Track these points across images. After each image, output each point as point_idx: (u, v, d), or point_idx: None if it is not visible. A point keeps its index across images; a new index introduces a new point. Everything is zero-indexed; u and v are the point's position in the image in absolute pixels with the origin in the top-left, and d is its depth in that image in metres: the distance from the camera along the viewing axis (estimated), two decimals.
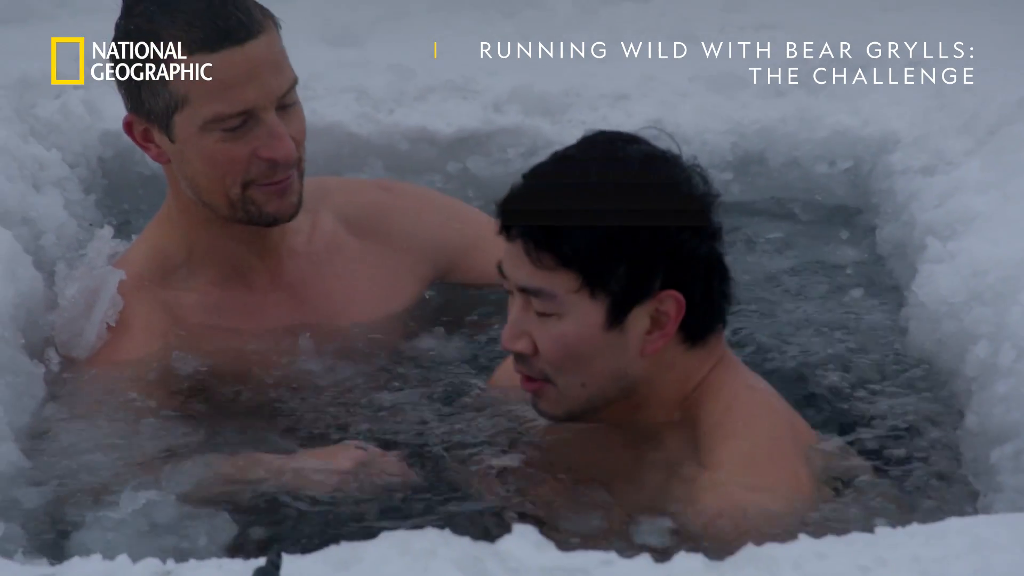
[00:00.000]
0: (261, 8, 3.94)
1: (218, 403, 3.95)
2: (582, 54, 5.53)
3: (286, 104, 3.94)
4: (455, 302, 4.30)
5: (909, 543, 2.88)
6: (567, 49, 5.56)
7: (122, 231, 4.60)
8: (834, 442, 3.63)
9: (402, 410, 3.92)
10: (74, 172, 4.85)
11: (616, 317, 3.36)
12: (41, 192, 4.63)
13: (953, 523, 2.96)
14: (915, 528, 2.95)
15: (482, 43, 5.55)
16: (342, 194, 4.32)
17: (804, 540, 2.94)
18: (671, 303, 3.36)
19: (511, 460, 3.65)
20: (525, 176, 3.41)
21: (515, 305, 3.42)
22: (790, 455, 3.47)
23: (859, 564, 2.83)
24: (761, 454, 3.42)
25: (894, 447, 3.73)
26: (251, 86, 3.86)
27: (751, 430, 3.44)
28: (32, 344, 3.99)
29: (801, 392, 3.94)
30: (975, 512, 3.49)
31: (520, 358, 3.44)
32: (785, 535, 3.24)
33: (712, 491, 3.38)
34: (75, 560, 2.95)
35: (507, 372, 3.71)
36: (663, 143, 3.43)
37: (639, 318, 3.37)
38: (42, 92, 5.07)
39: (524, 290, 3.38)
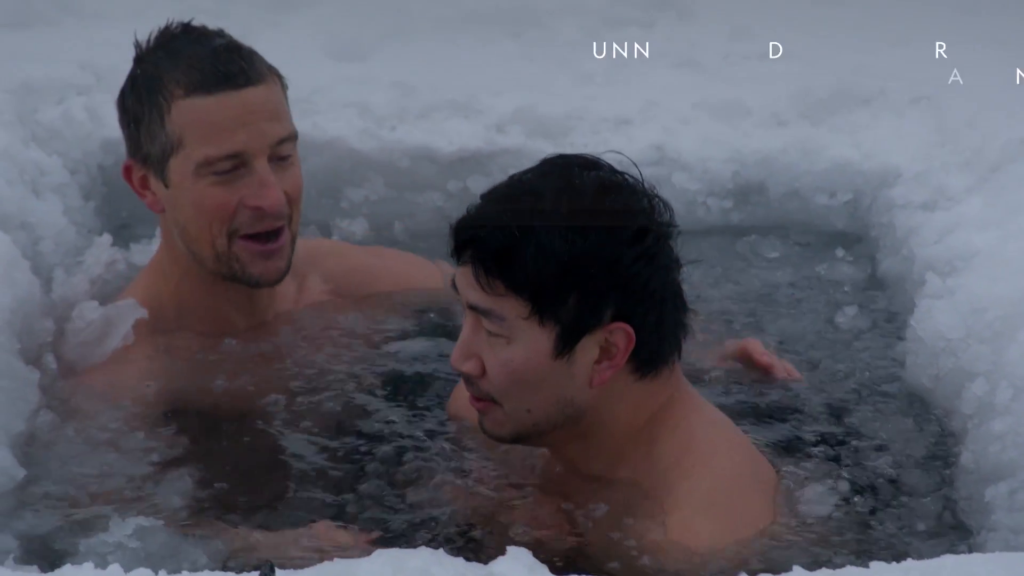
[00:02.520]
0: (269, 65, 3.99)
1: (204, 431, 3.94)
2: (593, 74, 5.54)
3: (282, 156, 3.96)
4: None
5: None
6: (571, 72, 5.55)
7: (121, 238, 4.62)
8: (799, 472, 3.61)
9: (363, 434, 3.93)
10: (74, 178, 4.85)
11: (565, 345, 3.33)
12: (41, 198, 4.63)
13: (948, 560, 2.97)
14: (910, 564, 2.96)
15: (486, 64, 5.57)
16: (333, 258, 4.37)
17: (798, 572, 2.94)
18: (621, 335, 3.34)
19: (476, 481, 3.65)
20: (481, 196, 3.39)
21: (466, 324, 3.40)
22: (751, 493, 3.45)
23: None
24: (721, 494, 3.40)
25: (866, 476, 3.73)
26: (243, 131, 3.89)
27: (710, 469, 3.41)
28: (27, 350, 3.99)
29: (780, 414, 3.95)
30: (969, 550, 3.48)
31: (468, 378, 3.42)
32: (748, 566, 3.26)
33: (671, 531, 3.36)
34: (67, 568, 2.94)
35: (460, 397, 3.70)
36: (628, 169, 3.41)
37: (588, 348, 3.35)
38: (44, 98, 5.07)
39: (475, 308, 3.36)
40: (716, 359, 4.14)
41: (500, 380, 3.37)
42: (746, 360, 4.09)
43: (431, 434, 3.86)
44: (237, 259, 3.96)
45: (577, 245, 3.27)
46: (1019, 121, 4.87)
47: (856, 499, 3.60)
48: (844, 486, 3.62)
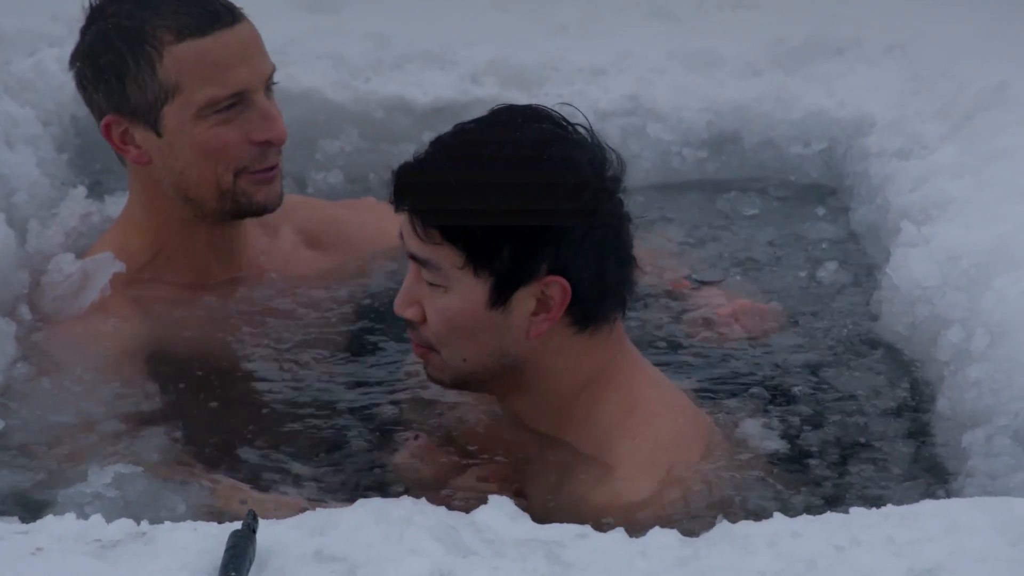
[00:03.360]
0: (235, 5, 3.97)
1: (182, 383, 3.94)
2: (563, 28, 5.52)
3: (268, 89, 3.96)
4: None
5: (883, 524, 2.90)
6: (545, 23, 5.54)
7: (95, 191, 4.59)
8: (746, 429, 3.64)
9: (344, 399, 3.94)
10: (47, 130, 4.82)
11: (499, 296, 3.34)
12: (14, 150, 4.60)
13: (927, 505, 2.98)
14: (889, 509, 2.97)
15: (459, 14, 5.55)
16: (304, 211, 4.36)
17: (779, 518, 2.96)
18: (556, 288, 3.34)
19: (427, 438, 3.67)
20: (421, 147, 3.39)
21: (410, 272, 3.41)
22: (693, 455, 3.46)
23: (834, 544, 2.85)
24: (661, 456, 3.41)
25: (837, 426, 3.76)
26: (244, 67, 3.89)
27: (652, 430, 3.43)
28: (2, 302, 3.98)
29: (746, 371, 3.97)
30: (947, 495, 3.51)
31: (410, 324, 3.44)
32: (684, 518, 3.28)
33: (613, 491, 3.37)
34: (49, 519, 2.94)
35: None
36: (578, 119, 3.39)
37: (524, 299, 3.35)
38: (16, 49, 5.03)
39: (414, 258, 3.37)
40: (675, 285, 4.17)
41: (438, 328, 3.38)
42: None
43: (398, 392, 3.88)
44: (243, 192, 3.96)
45: (511, 197, 3.27)
46: (993, 69, 4.88)
47: (798, 439, 3.64)
48: (777, 423, 3.64)
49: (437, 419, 3.72)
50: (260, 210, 4.01)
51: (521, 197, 3.27)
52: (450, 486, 3.51)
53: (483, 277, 3.32)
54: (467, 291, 3.33)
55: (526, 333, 3.37)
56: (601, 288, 3.38)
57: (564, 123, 3.37)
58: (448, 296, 3.35)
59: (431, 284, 3.36)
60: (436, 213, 3.30)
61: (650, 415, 3.44)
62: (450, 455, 3.61)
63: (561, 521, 3.00)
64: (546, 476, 3.48)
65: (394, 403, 3.84)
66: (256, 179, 3.96)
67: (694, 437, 3.49)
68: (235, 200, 3.97)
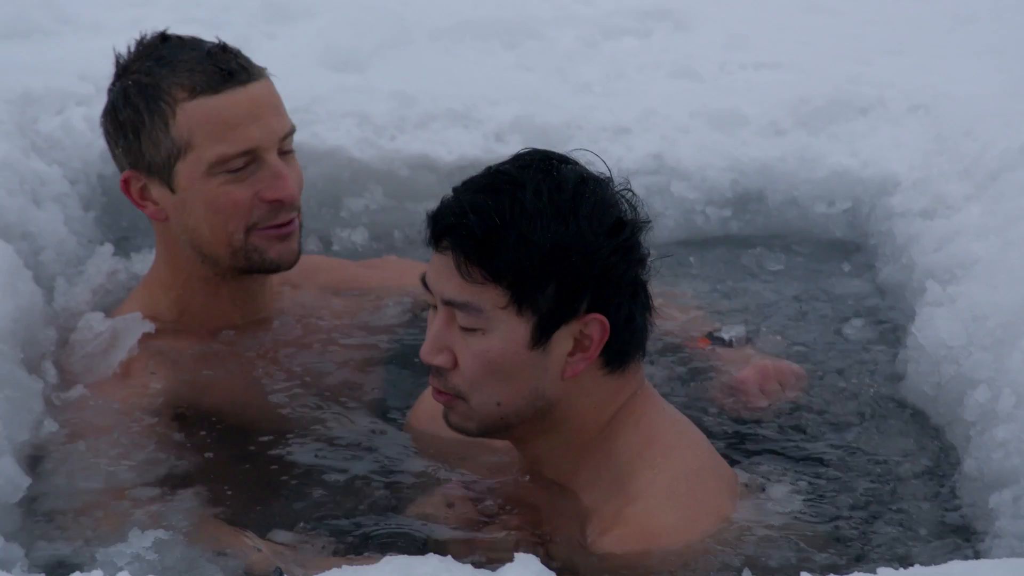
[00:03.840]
0: (256, 64, 4.00)
1: (211, 435, 3.95)
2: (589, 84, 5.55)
3: (284, 151, 4.00)
4: None
5: None
6: (569, 81, 5.57)
7: (121, 248, 4.63)
8: (772, 492, 3.63)
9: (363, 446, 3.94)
10: (74, 188, 4.85)
11: (541, 336, 3.34)
12: (41, 207, 4.63)
13: (955, 566, 2.97)
14: (917, 570, 2.96)
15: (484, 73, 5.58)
16: (326, 271, 4.41)
17: None
18: (596, 326, 3.35)
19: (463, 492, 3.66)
20: (456, 189, 3.39)
21: (438, 318, 3.39)
22: (711, 488, 3.47)
23: None
24: (681, 486, 3.41)
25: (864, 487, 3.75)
26: (254, 126, 3.92)
27: (671, 461, 3.43)
28: (30, 359, 3.99)
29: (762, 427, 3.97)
30: (975, 556, 3.49)
31: (437, 372, 3.42)
32: (705, 565, 3.27)
33: (630, 521, 3.37)
34: None
35: (425, 410, 3.72)
36: (597, 168, 3.42)
37: (563, 339, 3.36)
38: (44, 108, 5.07)
39: (449, 303, 3.36)
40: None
41: (474, 372, 3.37)
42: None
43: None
44: (255, 248, 3.99)
45: (558, 234, 3.28)
46: (1016, 129, 4.87)
47: (824, 500, 3.62)
48: (804, 486, 3.63)
49: (455, 474, 3.71)
50: (273, 267, 4.03)
51: (566, 235, 3.29)
52: (479, 539, 3.50)
53: (526, 316, 3.32)
54: (508, 332, 3.34)
55: (561, 373, 3.38)
56: (632, 327, 3.40)
57: (588, 169, 3.40)
58: (487, 338, 3.35)
59: (466, 329, 3.35)
60: (481, 251, 3.29)
61: (669, 447, 3.44)
62: (477, 507, 3.60)
63: (590, 567, 2.99)
64: (563, 526, 3.47)
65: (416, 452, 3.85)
66: (269, 235, 3.98)
67: (712, 472, 3.49)
68: (248, 257, 3.99)
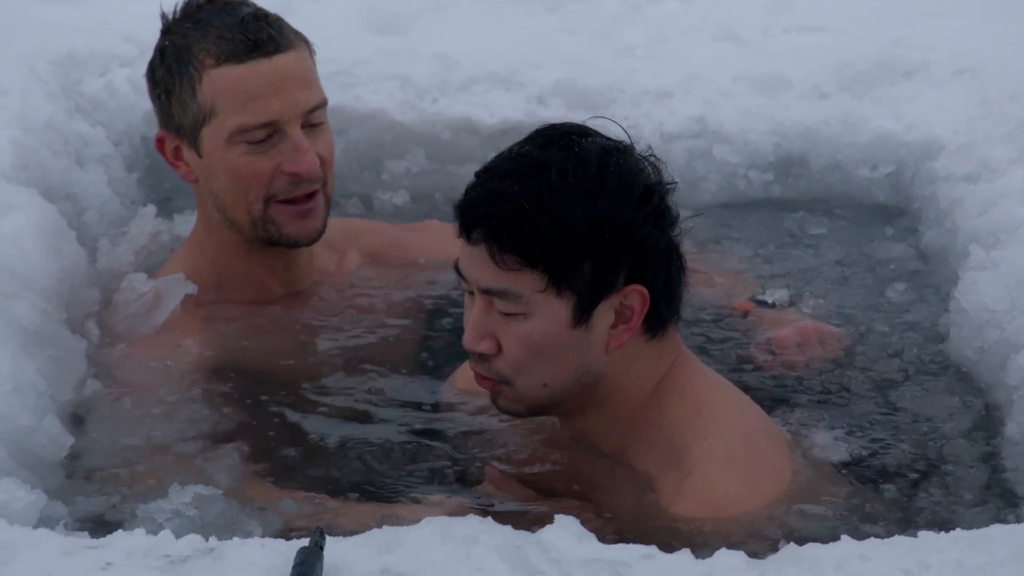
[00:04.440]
0: (296, 31, 4.00)
1: (251, 398, 3.96)
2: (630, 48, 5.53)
3: (314, 123, 3.99)
4: None
5: (952, 548, 2.88)
6: (612, 44, 5.55)
7: (164, 210, 4.65)
8: (816, 438, 3.62)
9: (410, 415, 3.95)
10: (118, 150, 4.87)
11: (582, 314, 3.33)
12: (85, 169, 4.66)
13: (996, 530, 2.96)
14: (959, 534, 2.95)
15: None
16: (368, 235, 4.41)
17: (846, 541, 2.94)
18: (636, 297, 3.34)
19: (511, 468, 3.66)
20: (479, 175, 3.37)
21: (476, 306, 3.38)
22: (767, 449, 3.47)
23: (902, 567, 2.84)
24: (737, 452, 3.41)
25: (909, 449, 3.74)
26: (276, 98, 3.91)
27: (723, 427, 3.42)
28: (73, 319, 4.02)
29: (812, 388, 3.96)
30: (1016, 520, 3.47)
31: (481, 358, 3.41)
32: (770, 531, 3.27)
33: (694, 494, 3.36)
34: (119, 534, 2.96)
35: (468, 375, 3.69)
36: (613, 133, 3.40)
37: (604, 313, 3.35)
38: (88, 69, 5.08)
39: (487, 291, 3.35)
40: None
41: (519, 356, 3.37)
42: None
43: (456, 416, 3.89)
44: (272, 221, 3.99)
45: (589, 211, 3.27)
46: None
47: (864, 452, 3.62)
48: (844, 435, 3.64)
49: (502, 449, 3.71)
50: (291, 243, 4.04)
51: (597, 210, 3.27)
52: (529, 519, 3.50)
53: (565, 297, 3.31)
54: (549, 314, 3.33)
55: (606, 347, 3.37)
56: (671, 291, 3.39)
57: (609, 137, 3.38)
58: (529, 322, 3.34)
59: (507, 314, 3.34)
60: (514, 239, 3.28)
61: (718, 413, 3.44)
62: (524, 486, 3.60)
63: (648, 539, 3.00)
64: (621, 497, 3.47)
65: (460, 423, 3.85)
66: (288, 211, 3.99)
67: (764, 433, 3.49)
68: (266, 229, 4.00)
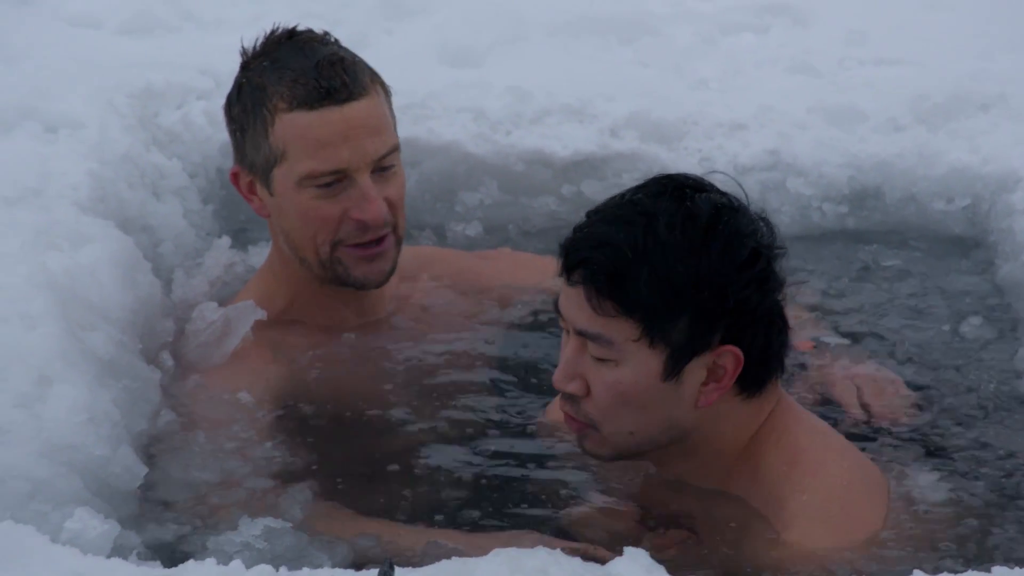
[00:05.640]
0: (372, 74, 4.02)
1: (322, 426, 3.98)
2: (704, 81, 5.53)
3: (384, 167, 4.00)
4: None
5: None
6: (686, 77, 5.54)
7: (238, 241, 4.69)
8: (917, 478, 3.59)
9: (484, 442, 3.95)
10: (193, 182, 4.91)
11: (674, 368, 3.32)
12: (161, 200, 4.70)
13: None
14: None
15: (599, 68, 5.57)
16: (440, 263, 4.42)
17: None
18: (729, 358, 3.33)
19: (595, 501, 3.65)
20: (589, 215, 3.37)
21: (570, 346, 3.38)
22: (863, 501, 3.44)
23: None
24: (835, 504, 3.39)
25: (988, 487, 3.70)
26: (346, 147, 3.94)
27: (821, 480, 3.40)
28: (148, 350, 4.05)
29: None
30: None
31: (570, 399, 3.41)
32: (861, 567, 3.24)
33: (790, 547, 3.35)
34: (190, 564, 2.98)
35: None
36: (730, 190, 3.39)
37: (696, 370, 3.34)
38: (165, 102, 5.13)
39: (582, 333, 3.34)
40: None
41: (606, 402, 3.36)
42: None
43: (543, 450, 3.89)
44: (340, 263, 4.02)
45: (691, 269, 3.26)
46: None
47: (969, 492, 3.58)
48: (956, 478, 3.59)
49: (596, 481, 3.70)
50: (359, 285, 4.06)
51: (700, 268, 3.26)
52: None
53: (658, 349, 3.31)
54: (640, 364, 3.32)
55: (695, 403, 3.36)
56: (767, 355, 3.37)
57: (724, 193, 3.37)
58: (619, 370, 3.33)
59: (598, 359, 3.34)
60: (613, 286, 3.28)
61: (815, 464, 3.42)
62: (619, 518, 3.59)
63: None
64: (720, 533, 3.46)
65: (537, 456, 3.85)
66: (356, 254, 4.01)
67: (863, 484, 3.46)
68: (333, 270, 4.03)
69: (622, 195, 3.38)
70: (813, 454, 3.43)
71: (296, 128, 3.93)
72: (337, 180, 3.96)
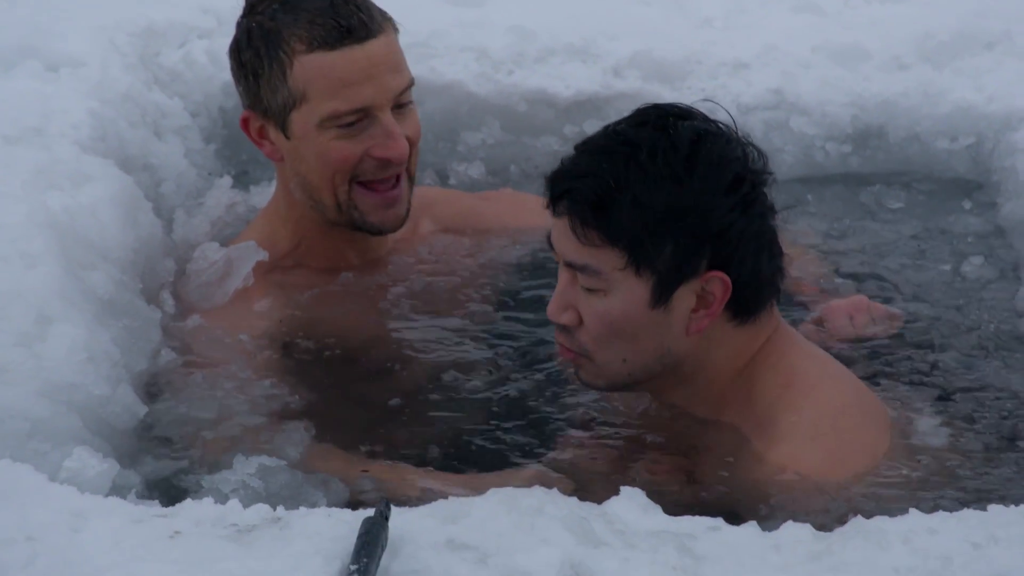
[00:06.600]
0: (381, 11, 4.00)
1: (323, 365, 3.98)
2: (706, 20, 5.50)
3: (402, 103, 4.00)
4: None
5: (1022, 522, 2.85)
6: (689, 16, 5.51)
7: (240, 181, 4.68)
8: (919, 424, 3.59)
9: (493, 386, 3.96)
10: (195, 121, 4.90)
11: (661, 295, 3.33)
12: (162, 140, 4.69)
13: None
14: None
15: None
16: (442, 204, 4.42)
17: (914, 514, 2.92)
18: (717, 283, 3.34)
19: (591, 434, 3.66)
20: (575, 148, 3.39)
21: (561, 278, 3.40)
22: (858, 424, 3.45)
23: (971, 541, 2.81)
24: (826, 424, 3.40)
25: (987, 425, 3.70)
26: (369, 85, 3.92)
27: (812, 400, 3.41)
28: (149, 290, 4.05)
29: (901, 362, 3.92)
30: None
31: (563, 329, 3.43)
32: (856, 504, 3.24)
33: (777, 465, 3.36)
34: (187, 503, 2.99)
35: None
36: (721, 117, 3.39)
37: (685, 296, 3.35)
38: (166, 41, 5.11)
39: (570, 264, 3.36)
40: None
41: (597, 331, 3.38)
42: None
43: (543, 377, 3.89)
44: (356, 208, 4.01)
45: (673, 195, 3.27)
46: None
47: (970, 435, 3.58)
48: (957, 422, 3.59)
49: (596, 411, 3.72)
50: (375, 230, 4.06)
51: (682, 195, 3.27)
52: (620, 481, 3.50)
53: (645, 277, 3.32)
54: (628, 292, 3.34)
55: (686, 330, 3.37)
56: (758, 280, 3.38)
57: (711, 120, 3.37)
58: (608, 299, 3.35)
59: (588, 289, 3.36)
60: (596, 215, 3.29)
61: (808, 387, 3.43)
62: (615, 448, 3.60)
63: (737, 505, 2.99)
64: (715, 460, 3.48)
65: (536, 389, 3.85)
66: (372, 198, 4.00)
67: (857, 408, 3.47)
68: (349, 215, 4.02)
69: (607, 127, 3.40)
70: (808, 378, 3.45)
71: (317, 69, 3.91)
72: (359, 119, 3.95)
